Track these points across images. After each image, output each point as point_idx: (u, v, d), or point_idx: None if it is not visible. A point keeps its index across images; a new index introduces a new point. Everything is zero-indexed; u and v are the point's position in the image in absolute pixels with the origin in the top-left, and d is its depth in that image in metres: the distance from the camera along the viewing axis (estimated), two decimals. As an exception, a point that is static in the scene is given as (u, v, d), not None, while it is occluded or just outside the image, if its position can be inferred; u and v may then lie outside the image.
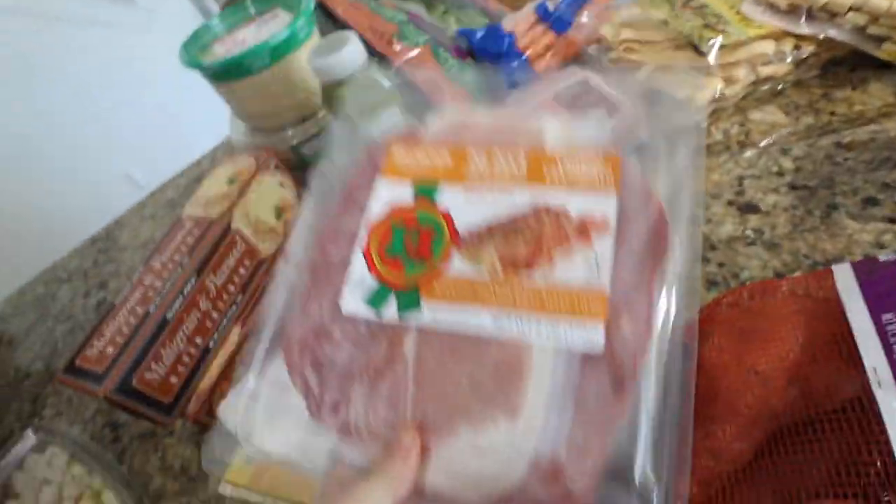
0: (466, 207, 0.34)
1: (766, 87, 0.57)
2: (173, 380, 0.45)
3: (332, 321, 0.33)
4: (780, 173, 0.52)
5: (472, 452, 0.28)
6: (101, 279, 0.73)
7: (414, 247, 0.33)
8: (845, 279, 0.36)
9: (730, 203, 0.52)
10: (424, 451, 0.29)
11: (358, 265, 0.33)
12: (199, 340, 0.46)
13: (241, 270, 0.49)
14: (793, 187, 0.51)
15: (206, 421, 0.48)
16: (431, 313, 0.31)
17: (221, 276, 0.48)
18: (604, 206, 0.32)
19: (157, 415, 0.44)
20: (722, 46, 0.53)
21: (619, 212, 0.32)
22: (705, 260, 0.48)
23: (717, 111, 0.57)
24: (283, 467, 0.42)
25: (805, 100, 0.57)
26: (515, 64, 0.62)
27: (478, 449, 0.28)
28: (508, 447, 0.28)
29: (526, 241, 0.32)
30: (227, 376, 0.49)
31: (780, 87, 0.57)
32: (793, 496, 0.31)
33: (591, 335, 0.29)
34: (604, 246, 0.31)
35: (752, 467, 0.34)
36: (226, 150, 0.82)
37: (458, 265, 0.32)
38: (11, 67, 1.38)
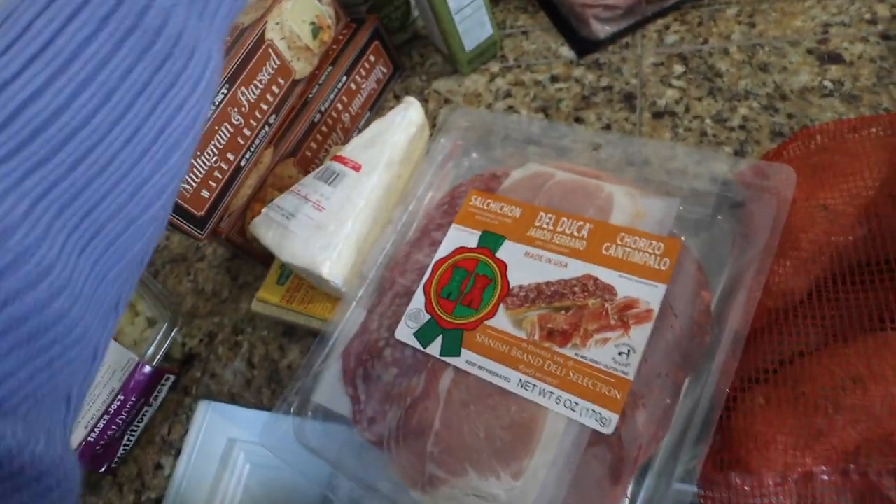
0: (522, 265, 0.37)
1: (870, -77, 0.50)
2: (205, 193, 0.44)
3: (386, 343, 0.37)
4: (873, 21, 0.46)
5: (474, 495, 0.31)
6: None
7: (467, 292, 0.37)
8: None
9: (809, 52, 0.47)
10: (433, 481, 0.32)
11: (418, 298, 0.38)
12: (230, 156, 0.45)
13: (275, 88, 0.47)
14: (885, 37, 0.45)
15: (237, 240, 0.47)
16: (468, 361, 0.34)
17: (254, 91, 0.45)
18: (650, 297, 0.33)
19: (189, 228, 0.44)
20: None
21: (665, 301, 0.33)
22: (773, 110, 0.45)
23: (809, -51, 0.50)
24: (310, 280, 0.42)
25: (914, -60, 0.50)
26: None
27: (479, 494, 0.31)
28: (505, 501, 0.30)
29: (567, 314, 0.34)
30: (260, 198, 0.48)
31: (886, -76, 0.50)
32: (846, 331, 0.30)
33: (605, 418, 0.30)
34: (640, 336, 0.32)
35: (805, 305, 0.32)
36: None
37: (501, 320, 0.35)
38: None
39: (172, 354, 0.51)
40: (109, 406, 0.45)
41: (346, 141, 0.53)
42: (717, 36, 0.50)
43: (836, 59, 0.46)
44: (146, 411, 0.49)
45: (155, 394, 0.49)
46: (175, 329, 0.49)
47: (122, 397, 0.46)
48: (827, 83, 0.45)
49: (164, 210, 0.24)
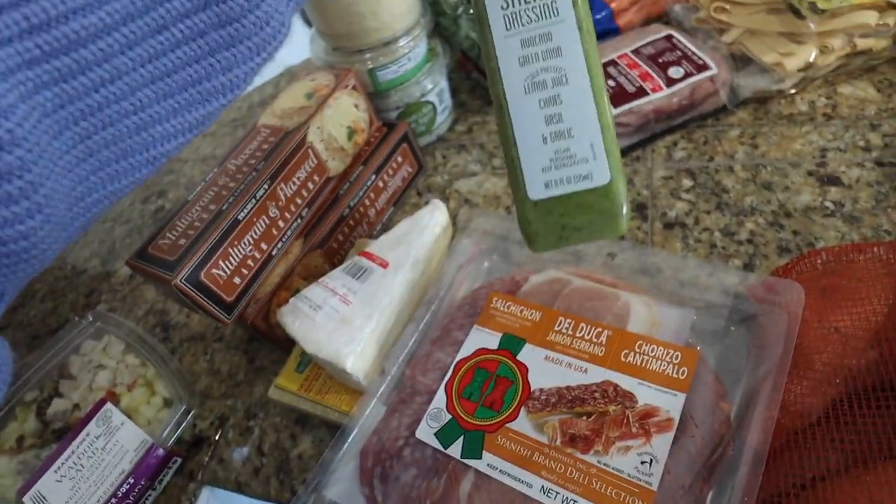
0: (543, 369, 0.38)
1: (859, 62, 0.55)
2: (237, 280, 0.45)
3: (406, 442, 0.37)
4: (867, 148, 0.50)
5: None
6: (160, 188, 0.75)
7: (489, 393, 0.37)
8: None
9: (809, 173, 0.50)
10: None
11: (439, 397, 0.38)
12: (264, 246, 0.47)
13: (310, 185, 0.50)
14: (879, 163, 0.49)
15: (261, 326, 0.49)
16: (490, 464, 0.34)
17: (292, 187, 0.48)
18: (670, 405, 0.34)
19: (217, 311, 0.45)
20: (821, 12, 0.51)
21: (685, 410, 0.34)
22: (779, 226, 0.47)
23: (804, 81, 0.55)
24: (331, 371, 0.43)
25: (901, 78, 0.55)
26: (600, 16, 0.61)
27: None
28: None
29: (589, 420, 0.35)
30: (286, 286, 0.50)
31: (874, 63, 0.55)
32: (865, 455, 0.31)
33: None
34: (662, 444, 0.33)
35: (821, 424, 0.33)
36: (302, 69, 0.82)
37: (523, 423, 0.35)
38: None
39: (182, 436, 0.50)
40: (118, 489, 0.45)
41: (370, 234, 0.56)
42: (723, 154, 0.54)
43: (834, 181, 0.49)
44: (150, 495, 0.48)
45: (161, 477, 0.48)
46: (191, 413, 0.49)
47: (132, 480, 0.45)
48: (828, 203, 0.48)
49: (155, 163, 0.23)
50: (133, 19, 0.19)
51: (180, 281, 0.42)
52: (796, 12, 0.52)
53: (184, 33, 0.21)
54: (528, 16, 0.26)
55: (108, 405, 0.46)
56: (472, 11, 0.27)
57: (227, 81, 0.23)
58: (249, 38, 0.22)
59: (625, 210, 0.27)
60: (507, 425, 0.36)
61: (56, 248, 0.21)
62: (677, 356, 0.37)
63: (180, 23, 0.21)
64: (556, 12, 0.25)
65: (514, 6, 0.26)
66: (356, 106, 0.53)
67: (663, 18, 0.64)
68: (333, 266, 0.53)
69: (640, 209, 0.52)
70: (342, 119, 0.51)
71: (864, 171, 0.49)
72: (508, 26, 0.26)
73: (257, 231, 0.46)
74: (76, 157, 0.20)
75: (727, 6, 0.57)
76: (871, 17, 0.51)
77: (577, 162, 0.26)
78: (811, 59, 0.52)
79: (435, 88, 0.59)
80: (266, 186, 0.46)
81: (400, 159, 0.57)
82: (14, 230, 0.18)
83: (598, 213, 0.26)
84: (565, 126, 0.26)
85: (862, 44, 0.53)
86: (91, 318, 0.53)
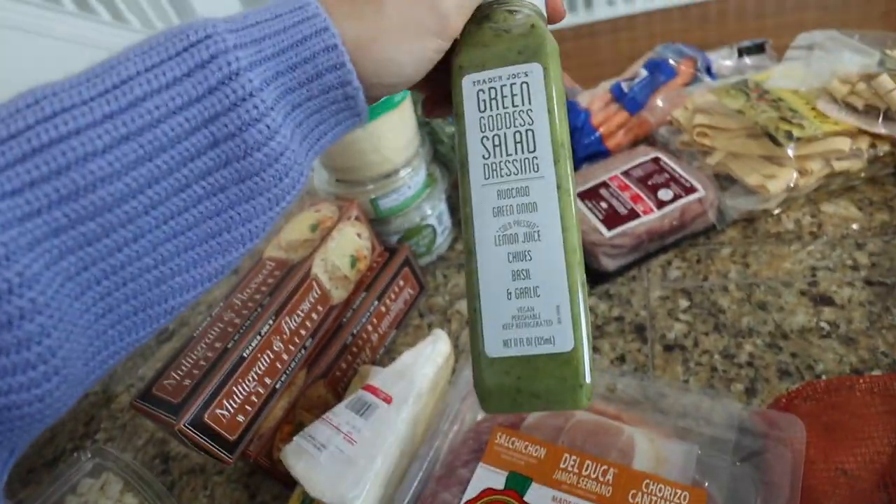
0: None
1: (839, 181, 0.58)
2: (240, 418, 0.45)
3: None
4: (856, 268, 0.52)
5: None
6: (164, 309, 0.75)
7: None
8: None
9: (802, 293, 0.51)
10: None
11: None
12: (268, 381, 0.47)
13: (314, 315, 0.51)
14: (868, 283, 0.50)
15: (265, 463, 0.48)
16: None
17: (296, 319, 0.49)
18: None
19: (220, 452, 0.44)
20: (797, 140, 0.54)
21: None
22: (777, 348, 0.48)
23: (787, 200, 0.57)
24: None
25: (879, 196, 0.57)
26: (590, 140, 0.65)
27: None
28: None
29: None
30: (290, 419, 0.49)
31: (852, 182, 0.58)
32: None
33: None
34: None
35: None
36: (306, 198, 0.85)
37: None
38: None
39: (179, 582, 0.48)
40: None
41: (373, 360, 0.56)
42: (716, 273, 0.55)
43: (827, 301, 0.50)
44: None
45: None
46: (189, 558, 0.47)
47: None
48: (823, 324, 0.49)
49: (174, 313, 0.23)
50: (157, 181, 0.20)
51: (185, 425, 0.41)
52: (773, 140, 0.55)
53: (205, 189, 0.22)
54: (508, 168, 0.26)
55: (104, 553, 0.45)
56: (456, 155, 0.28)
57: (246, 232, 0.23)
58: (269, 190, 0.23)
59: (588, 380, 0.24)
60: None
61: (70, 403, 0.21)
62: (685, 496, 0.36)
63: (202, 180, 0.21)
64: (536, 168, 0.25)
65: (495, 157, 0.26)
66: (359, 235, 0.55)
67: (650, 140, 0.68)
68: (337, 395, 0.53)
69: (639, 331, 0.53)
70: (346, 249, 0.53)
71: (855, 291, 0.50)
72: (487, 175, 0.26)
73: (262, 366, 0.46)
74: (96, 314, 0.21)
75: (708, 131, 0.61)
76: (845, 144, 0.55)
77: (541, 323, 0.25)
78: (792, 183, 0.54)
79: (434, 212, 0.62)
80: (271, 321, 0.47)
81: (402, 283, 0.58)
82: (30, 394, 0.18)
83: (558, 382, 0.25)
84: (532, 283, 0.25)
85: (839, 166, 0.56)
86: (90, 455, 0.52)
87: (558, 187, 0.25)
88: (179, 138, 0.20)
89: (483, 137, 0.26)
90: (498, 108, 0.26)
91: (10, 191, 0.17)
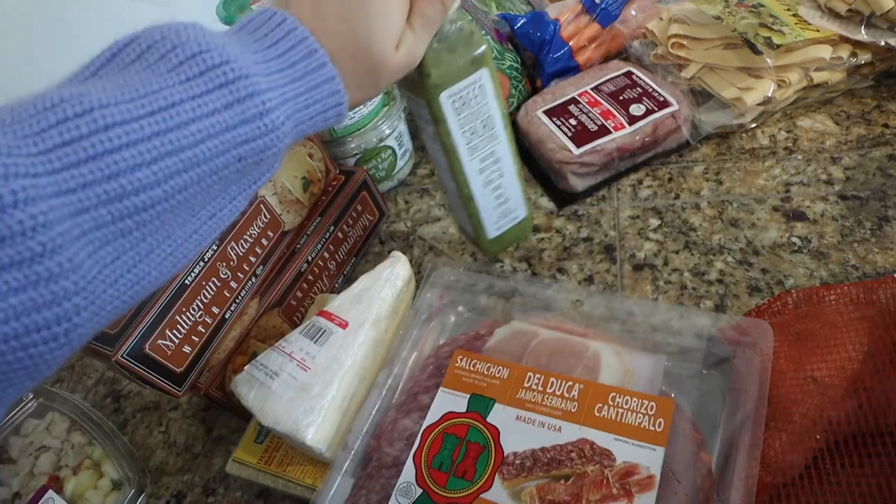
0: (515, 430, 0.36)
1: (816, 95, 0.55)
2: (186, 349, 0.43)
3: None
4: (830, 182, 0.50)
5: None
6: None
7: (460, 461, 0.36)
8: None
9: (775, 209, 0.50)
10: None
11: (408, 470, 0.36)
12: (215, 310, 0.44)
13: (264, 241, 0.47)
14: (843, 197, 0.49)
15: (217, 396, 0.46)
16: None
17: (244, 245, 0.46)
18: (650, 461, 0.33)
19: (166, 384, 0.42)
20: (777, 47, 0.51)
21: (666, 465, 0.33)
22: (748, 265, 0.47)
23: (763, 114, 0.55)
24: (292, 443, 0.40)
25: (856, 110, 0.55)
26: (559, 54, 0.61)
27: None
28: None
29: (567, 483, 0.33)
30: (242, 350, 0.47)
31: (830, 95, 0.56)
32: (850, 513, 0.29)
33: None
34: (645, 503, 0.32)
35: (803, 479, 0.32)
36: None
37: (498, 492, 0.34)
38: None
39: (135, 519, 0.47)
40: (60, 587, 0.41)
41: (331, 289, 0.53)
42: (688, 192, 0.53)
43: (800, 216, 0.49)
44: (100, 587, 0.44)
45: (111, 566, 0.44)
46: (143, 494, 0.45)
47: (76, 576, 0.41)
48: (795, 240, 0.47)
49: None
50: (187, 188, 0.24)
51: (122, 356, 0.39)
52: (752, 48, 0.52)
53: (218, 189, 0.26)
54: (482, 144, 0.40)
55: (50, 493, 0.43)
56: (437, 146, 0.40)
57: (234, 209, 0.28)
58: (259, 179, 0.28)
59: (530, 215, 0.46)
60: (482, 496, 0.34)
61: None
62: (652, 406, 0.35)
63: (218, 183, 0.25)
64: (496, 137, 0.40)
65: (472, 140, 0.39)
66: (311, 156, 0.51)
67: (622, 55, 0.64)
68: (293, 325, 0.50)
69: (608, 251, 0.51)
70: (296, 169, 0.49)
71: (829, 206, 0.48)
72: (472, 155, 0.40)
73: (207, 294, 0.43)
74: (110, 254, 0.23)
75: (684, 42, 0.57)
76: (825, 52, 0.52)
77: (512, 210, 0.45)
78: (769, 94, 0.52)
79: (393, 133, 0.58)
80: (215, 247, 0.43)
81: (360, 208, 0.55)
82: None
83: (522, 230, 0.46)
84: (503, 190, 0.43)
85: (818, 77, 0.53)
86: (32, 395, 0.49)
87: (508, 140, 0.41)
88: (214, 156, 0.24)
89: (463, 131, 0.38)
90: (468, 109, 0.37)
91: (65, 189, 0.20)
